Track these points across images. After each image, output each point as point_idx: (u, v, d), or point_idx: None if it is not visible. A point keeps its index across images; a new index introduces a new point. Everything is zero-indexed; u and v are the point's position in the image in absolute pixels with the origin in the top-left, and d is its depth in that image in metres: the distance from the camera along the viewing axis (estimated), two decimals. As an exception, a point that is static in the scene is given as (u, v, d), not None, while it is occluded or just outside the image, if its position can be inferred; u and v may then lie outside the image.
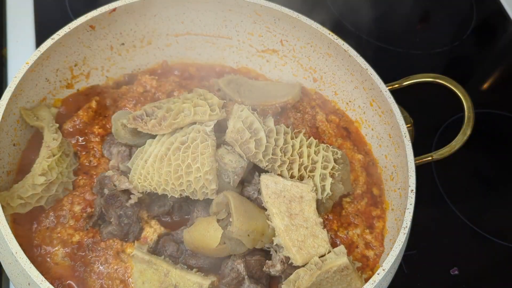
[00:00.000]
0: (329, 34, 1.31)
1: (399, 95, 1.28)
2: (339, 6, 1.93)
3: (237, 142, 1.10)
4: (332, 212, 1.20)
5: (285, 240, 1.05)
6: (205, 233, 1.05)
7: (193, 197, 1.09)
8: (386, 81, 1.28)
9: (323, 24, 1.33)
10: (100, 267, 1.07)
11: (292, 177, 1.14)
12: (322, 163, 1.16)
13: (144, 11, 1.33)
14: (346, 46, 1.30)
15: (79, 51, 1.29)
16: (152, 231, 1.12)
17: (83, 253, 1.08)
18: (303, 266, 1.04)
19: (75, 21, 1.23)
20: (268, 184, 1.10)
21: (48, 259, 1.07)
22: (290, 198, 1.10)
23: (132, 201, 1.09)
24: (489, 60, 1.94)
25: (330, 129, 1.33)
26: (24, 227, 1.10)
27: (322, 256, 1.06)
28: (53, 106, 1.28)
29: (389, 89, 1.26)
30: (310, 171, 1.16)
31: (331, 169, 1.17)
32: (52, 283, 0.93)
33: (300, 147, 1.17)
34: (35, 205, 1.10)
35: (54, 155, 1.12)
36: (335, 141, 1.32)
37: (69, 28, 1.22)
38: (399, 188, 1.22)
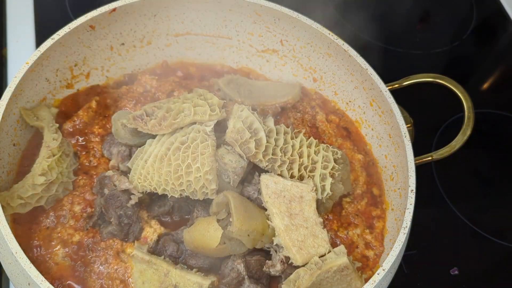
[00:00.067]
0: (329, 34, 1.31)
1: (399, 95, 1.28)
2: (339, 6, 1.93)
3: (237, 142, 1.10)
4: (332, 212, 1.20)
5: (285, 240, 1.05)
6: (205, 233, 1.05)
7: (193, 197, 1.09)
8: (386, 81, 1.28)
9: (323, 24, 1.33)
10: (100, 267, 1.07)
11: (292, 177, 1.14)
12: (322, 163, 1.16)
13: (144, 11, 1.33)
14: (346, 46, 1.30)
15: (79, 51, 1.29)
16: (152, 231, 1.12)
17: (83, 253, 1.08)
18: (303, 266, 1.04)
19: (75, 21, 1.23)
20: (268, 184, 1.10)
21: (48, 259, 1.07)
22: (290, 198, 1.10)
23: (132, 202, 1.09)
24: (489, 60, 1.94)
25: (330, 129, 1.33)
26: (24, 227, 1.10)
27: (322, 256, 1.06)
28: (53, 106, 1.28)
29: (389, 89, 1.26)
30: (310, 171, 1.16)
31: (331, 169, 1.17)
32: (52, 283, 0.93)
33: (300, 147, 1.17)
34: (35, 205, 1.10)
35: (54, 155, 1.12)
36: (335, 141, 1.32)
37: (69, 28, 1.22)
38: (399, 188, 1.22)
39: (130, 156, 1.17)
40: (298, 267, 1.04)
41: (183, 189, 1.08)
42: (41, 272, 0.94)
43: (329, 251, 1.07)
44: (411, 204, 1.09)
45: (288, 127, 1.24)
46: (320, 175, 1.15)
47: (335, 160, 1.19)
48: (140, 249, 1.08)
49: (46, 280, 0.93)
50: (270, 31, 1.40)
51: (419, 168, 1.17)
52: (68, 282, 1.06)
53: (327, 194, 1.15)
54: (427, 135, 1.64)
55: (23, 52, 1.61)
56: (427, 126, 1.64)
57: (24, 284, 0.97)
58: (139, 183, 1.10)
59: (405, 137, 1.18)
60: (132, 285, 1.06)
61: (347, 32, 1.86)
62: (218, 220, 1.06)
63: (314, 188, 1.13)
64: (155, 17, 1.36)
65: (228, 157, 1.11)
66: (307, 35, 1.36)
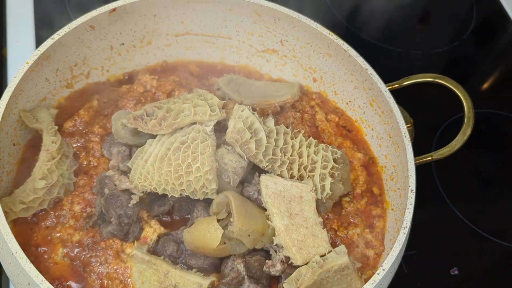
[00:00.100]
0: (329, 34, 1.31)
1: (399, 95, 1.28)
2: (339, 6, 1.93)
3: (238, 142, 1.10)
4: (332, 211, 1.20)
5: (285, 239, 1.05)
6: (205, 233, 1.05)
7: (193, 197, 1.09)
8: (386, 81, 1.28)
9: (323, 24, 1.33)
10: (100, 267, 1.07)
11: (292, 177, 1.14)
12: (321, 163, 1.16)
13: (144, 11, 1.33)
14: (346, 46, 1.30)
15: (79, 51, 1.30)
16: (152, 231, 1.12)
17: (83, 253, 1.08)
18: (303, 265, 1.04)
19: (75, 21, 1.23)
20: (268, 185, 1.10)
21: (48, 258, 1.07)
22: (290, 198, 1.10)
23: (133, 201, 1.09)
24: (489, 60, 1.94)
25: (330, 128, 1.33)
26: (24, 227, 1.10)
27: (323, 255, 1.06)
28: (53, 106, 1.28)
29: (389, 89, 1.26)
30: (310, 171, 1.16)
31: (331, 169, 1.17)
32: (51, 283, 0.93)
33: (300, 147, 1.17)
34: (38, 208, 1.11)
35: (53, 158, 1.12)
36: (335, 140, 1.32)
37: (69, 28, 1.22)
38: (399, 188, 1.22)
39: (130, 156, 1.17)
40: (298, 267, 1.04)
41: (183, 189, 1.08)
42: (41, 272, 0.94)
43: (329, 251, 1.07)
44: (411, 204, 1.10)
45: (287, 127, 1.24)
46: (319, 175, 1.15)
47: (334, 160, 1.19)
48: (140, 249, 1.08)
49: (46, 280, 0.93)
50: (270, 31, 1.40)
51: (419, 168, 1.17)
52: (67, 282, 1.06)
53: (327, 194, 1.15)
54: (427, 135, 1.64)
55: (23, 52, 1.61)
56: (427, 126, 1.64)
57: (24, 284, 0.97)
58: (139, 183, 1.10)
59: (405, 137, 1.18)
60: (132, 285, 1.05)
61: (347, 32, 1.86)
62: (218, 220, 1.06)
63: (314, 188, 1.13)
64: (155, 17, 1.36)
65: (228, 157, 1.11)
66: (307, 35, 1.36)
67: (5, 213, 1.01)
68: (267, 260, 1.08)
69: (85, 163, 1.19)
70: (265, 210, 1.09)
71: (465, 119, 1.33)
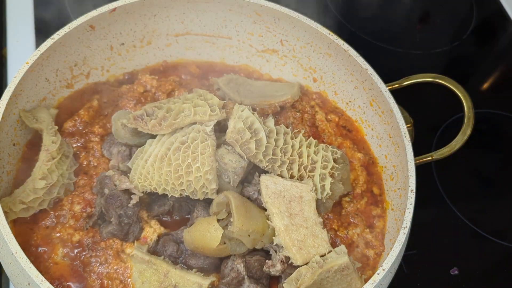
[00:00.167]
0: (329, 34, 1.31)
1: (399, 95, 1.28)
2: (339, 6, 1.93)
3: (238, 142, 1.10)
4: (332, 211, 1.20)
5: (285, 239, 1.05)
6: (205, 233, 1.05)
7: (193, 197, 1.09)
8: (386, 81, 1.28)
9: (323, 24, 1.33)
10: (100, 267, 1.07)
11: (292, 177, 1.14)
12: (321, 163, 1.16)
13: (144, 11, 1.33)
14: (346, 46, 1.30)
15: (79, 51, 1.30)
16: (152, 231, 1.12)
17: (83, 253, 1.08)
18: (303, 265, 1.04)
19: (75, 21, 1.23)
20: (268, 185, 1.10)
21: (48, 258, 1.07)
22: (290, 198, 1.10)
23: (134, 201, 1.09)
24: (489, 60, 1.94)
25: (330, 128, 1.33)
26: (24, 227, 1.10)
27: (323, 255, 1.06)
28: (53, 106, 1.28)
29: (389, 89, 1.26)
30: (310, 171, 1.16)
31: (331, 169, 1.17)
32: (51, 283, 0.93)
33: (300, 147, 1.17)
34: (38, 208, 1.11)
35: (53, 158, 1.12)
36: (335, 140, 1.32)
37: (69, 28, 1.22)
38: (399, 188, 1.22)
39: (130, 156, 1.17)
40: (298, 267, 1.04)
41: (183, 189, 1.08)
42: (40, 272, 0.94)
43: (329, 251, 1.07)
44: (411, 204, 1.09)
45: (287, 127, 1.24)
46: (319, 175, 1.15)
47: (334, 160, 1.19)
48: (140, 249, 1.08)
49: (46, 280, 0.93)
50: (270, 31, 1.40)
51: (419, 168, 1.17)
52: (67, 282, 1.06)
53: (326, 194, 1.15)
54: (427, 135, 1.64)
55: (23, 52, 1.61)
56: (427, 126, 1.64)
57: (24, 284, 0.97)
58: (139, 183, 1.10)
59: (405, 137, 1.18)
60: (132, 285, 1.05)
61: (347, 32, 1.86)
62: (218, 220, 1.06)
63: (314, 188, 1.13)
64: (155, 17, 1.36)
65: (228, 157, 1.11)
66: (307, 35, 1.36)
67: (5, 213, 1.01)
68: (267, 260, 1.08)
69: (85, 163, 1.19)
70: (265, 210, 1.09)
71: (465, 119, 1.33)
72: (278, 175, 1.13)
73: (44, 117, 1.20)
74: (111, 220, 1.09)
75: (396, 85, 1.38)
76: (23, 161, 1.19)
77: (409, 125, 1.30)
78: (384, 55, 1.83)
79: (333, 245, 1.14)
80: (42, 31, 1.65)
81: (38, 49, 1.18)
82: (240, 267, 1.07)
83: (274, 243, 1.06)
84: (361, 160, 1.30)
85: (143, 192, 1.10)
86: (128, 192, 1.11)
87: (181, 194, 1.09)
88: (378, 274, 1.00)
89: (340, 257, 1.05)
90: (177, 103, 1.13)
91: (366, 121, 1.36)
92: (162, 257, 1.08)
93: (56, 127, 1.19)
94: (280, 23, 1.37)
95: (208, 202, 1.12)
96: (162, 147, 1.08)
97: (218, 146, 1.12)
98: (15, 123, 1.17)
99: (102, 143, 1.22)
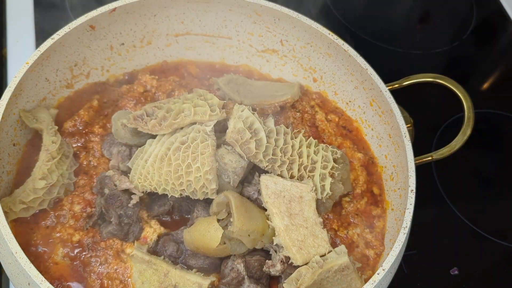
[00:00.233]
0: (329, 34, 1.31)
1: (399, 95, 1.28)
2: (340, 6, 1.93)
3: (238, 142, 1.10)
4: (332, 211, 1.20)
5: (285, 239, 1.05)
6: (205, 233, 1.05)
7: (193, 197, 1.09)
8: (386, 81, 1.28)
9: (323, 24, 1.33)
10: (100, 267, 1.07)
11: (292, 177, 1.14)
12: (321, 163, 1.16)
13: (144, 11, 1.33)
14: (346, 46, 1.30)
15: (79, 51, 1.30)
16: (152, 231, 1.12)
17: (83, 253, 1.08)
18: (303, 265, 1.04)
19: (75, 21, 1.23)
20: (268, 185, 1.10)
21: (48, 258, 1.07)
22: (290, 198, 1.10)
23: (134, 201, 1.09)
24: (489, 60, 1.94)
25: (330, 128, 1.33)
26: (24, 227, 1.10)
27: (323, 255, 1.06)
28: (53, 106, 1.28)
29: (389, 89, 1.26)
30: (310, 171, 1.16)
31: (331, 169, 1.17)
32: (51, 283, 0.93)
33: (300, 147, 1.17)
34: (38, 208, 1.11)
35: (53, 158, 1.12)
36: (335, 140, 1.32)
37: (69, 28, 1.22)
38: (399, 188, 1.22)
39: (130, 156, 1.17)
40: (298, 267, 1.04)
41: (183, 189, 1.08)
42: (40, 272, 0.94)
43: (329, 251, 1.07)
44: (411, 204, 1.09)
45: (287, 127, 1.24)
46: (319, 175, 1.15)
47: (334, 160, 1.19)
48: (140, 249, 1.08)
49: (46, 280, 0.93)
50: (270, 31, 1.40)
51: (419, 168, 1.17)
52: (67, 282, 1.06)
53: (327, 194, 1.15)
54: (427, 135, 1.64)
55: (23, 52, 1.61)
56: (427, 126, 1.64)
57: (24, 284, 0.97)
58: (140, 183, 1.10)
59: (405, 137, 1.18)
60: (132, 285, 1.05)
61: (347, 32, 1.86)
62: (218, 220, 1.06)
63: (314, 188, 1.13)
64: (155, 17, 1.36)
65: (228, 157, 1.11)
66: (307, 35, 1.36)
67: (5, 213, 1.01)
68: (267, 260, 1.08)
69: (85, 163, 1.19)
70: (265, 210, 1.09)
71: (465, 119, 1.33)
72: (278, 175, 1.13)
73: (44, 117, 1.20)
74: (111, 220, 1.09)
75: (396, 85, 1.38)
76: (23, 161, 1.19)
77: (409, 125, 1.30)
78: (384, 55, 1.83)
79: (333, 245, 1.14)
80: (42, 31, 1.65)
81: (38, 49, 1.18)
82: (240, 267, 1.07)
83: (274, 243, 1.06)
84: (361, 160, 1.30)
85: (143, 192, 1.11)
86: (128, 192, 1.11)
87: (181, 194, 1.09)
88: (378, 274, 1.00)
89: (340, 257, 1.05)
90: (177, 103, 1.13)
91: (366, 121, 1.36)
92: (162, 257, 1.08)
93: (56, 127, 1.19)
94: (280, 23, 1.37)
95: (208, 202, 1.12)
96: (162, 147, 1.08)
97: (218, 146, 1.12)
98: (15, 123, 1.17)
99: (102, 143, 1.22)
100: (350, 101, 1.38)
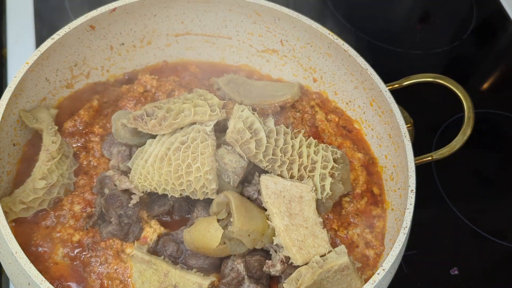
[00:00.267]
0: (329, 34, 1.31)
1: (399, 95, 1.28)
2: (340, 6, 1.93)
3: (238, 142, 1.10)
4: (332, 211, 1.20)
5: (285, 239, 1.05)
6: (205, 233, 1.05)
7: (193, 197, 1.09)
8: (386, 81, 1.28)
9: (323, 24, 1.33)
10: (100, 267, 1.07)
11: (292, 177, 1.14)
12: (321, 163, 1.16)
13: (144, 11, 1.33)
14: (346, 46, 1.30)
15: (79, 51, 1.30)
16: (152, 231, 1.12)
17: (83, 253, 1.08)
18: (303, 265, 1.04)
19: (75, 21, 1.23)
20: (268, 185, 1.10)
21: (48, 258, 1.07)
22: (290, 198, 1.10)
23: (134, 201, 1.09)
24: (489, 60, 1.94)
25: (330, 128, 1.33)
26: (24, 227, 1.10)
27: (323, 255, 1.06)
28: (53, 106, 1.28)
29: (389, 89, 1.26)
30: (310, 171, 1.16)
31: (331, 169, 1.17)
32: (51, 283, 0.93)
33: (300, 147, 1.17)
34: (38, 208, 1.10)
35: (53, 158, 1.12)
36: (335, 140, 1.32)
37: (69, 28, 1.22)
38: (399, 188, 1.22)
39: (130, 156, 1.17)
40: (298, 267, 1.04)
41: (183, 189, 1.08)
42: (40, 272, 0.94)
43: (329, 251, 1.07)
44: (411, 204, 1.09)
45: (287, 127, 1.24)
46: (319, 175, 1.15)
47: (334, 160, 1.19)
48: (140, 249, 1.08)
49: (46, 280, 0.93)
50: (270, 31, 1.40)
51: (419, 168, 1.17)
52: (67, 282, 1.06)
53: (327, 194, 1.15)
54: (427, 135, 1.64)
55: (23, 52, 1.61)
56: (427, 126, 1.64)
57: (24, 284, 0.97)
58: (140, 183, 1.10)
59: (405, 137, 1.18)
60: (132, 285, 1.05)
61: (347, 32, 1.86)
62: (218, 220, 1.06)
63: (314, 188, 1.13)
64: (155, 17, 1.36)
65: (228, 157, 1.11)
66: (307, 35, 1.36)
67: (5, 213, 1.01)
68: (267, 260, 1.08)
69: (85, 163, 1.19)
70: (265, 210, 1.09)
71: (465, 119, 1.33)
72: (278, 175, 1.13)
73: (44, 117, 1.20)
74: (111, 220, 1.09)
75: (396, 85, 1.38)
76: (23, 161, 1.19)
77: (409, 125, 1.30)
78: (384, 55, 1.83)
79: (333, 245, 1.14)
80: (42, 31, 1.65)
81: (38, 49, 1.18)
82: (240, 267, 1.07)
83: (274, 243, 1.06)
84: (361, 160, 1.30)
85: (143, 192, 1.11)
86: (128, 192, 1.11)
87: (181, 194, 1.09)
88: (378, 274, 1.00)
89: (340, 257, 1.05)
90: (177, 103, 1.13)
91: (366, 121, 1.36)
92: (162, 257, 1.08)
93: (56, 127, 1.19)
94: (280, 23, 1.37)
95: (208, 202, 1.12)
96: (162, 147, 1.08)
97: (218, 146, 1.12)
98: (15, 123, 1.17)
99: (102, 143, 1.22)
100: (350, 101, 1.38)
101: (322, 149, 1.19)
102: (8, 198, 1.09)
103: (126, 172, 1.14)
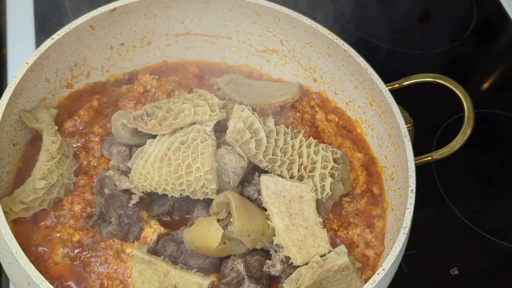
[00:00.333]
0: (329, 34, 1.31)
1: (399, 95, 1.28)
2: (340, 6, 1.93)
3: (238, 142, 1.10)
4: (332, 211, 1.20)
5: (285, 239, 1.05)
6: (205, 233, 1.05)
7: (193, 197, 1.09)
8: (386, 81, 1.28)
9: (323, 24, 1.33)
10: (100, 267, 1.07)
11: (292, 177, 1.14)
12: (321, 163, 1.16)
13: (144, 11, 1.33)
14: (346, 46, 1.30)
15: (79, 51, 1.30)
16: (152, 231, 1.12)
17: (83, 253, 1.08)
18: (303, 265, 1.04)
19: (75, 21, 1.23)
20: (268, 185, 1.10)
21: (48, 258, 1.07)
22: (290, 198, 1.10)
23: (134, 201, 1.09)
24: (489, 60, 1.94)
25: (330, 128, 1.33)
26: (24, 227, 1.10)
27: (323, 255, 1.06)
28: (53, 106, 1.28)
29: (389, 89, 1.26)
30: (310, 171, 1.16)
31: (331, 169, 1.17)
32: (51, 283, 0.93)
33: (300, 147, 1.17)
34: (38, 209, 1.10)
35: (53, 158, 1.12)
36: (335, 140, 1.32)
37: (69, 28, 1.22)
38: (399, 188, 1.22)
39: (130, 156, 1.17)
40: (298, 267, 1.04)
41: (183, 189, 1.08)
42: (40, 272, 0.94)
43: (329, 251, 1.07)
44: (411, 204, 1.09)
45: (287, 127, 1.24)
46: (319, 175, 1.15)
47: (334, 160, 1.19)
48: (140, 249, 1.08)
49: (46, 280, 0.93)
50: (270, 31, 1.40)
51: (419, 168, 1.17)
52: (67, 282, 1.06)
53: (326, 194, 1.15)
54: (427, 135, 1.64)
55: (23, 52, 1.61)
56: (427, 126, 1.64)
57: (24, 284, 0.97)
58: (140, 183, 1.10)
59: (405, 137, 1.18)
60: (132, 285, 1.05)
61: (347, 32, 1.86)
62: (218, 220, 1.06)
63: (314, 188, 1.13)
64: (155, 17, 1.36)
65: (228, 157, 1.11)
66: (307, 35, 1.36)
67: (5, 213, 1.01)
68: (267, 260, 1.08)
69: (85, 163, 1.19)
70: (265, 210, 1.09)
71: (465, 119, 1.33)
72: (278, 175, 1.13)
73: (44, 117, 1.20)
74: (111, 220, 1.09)
75: (396, 85, 1.38)
76: (23, 161, 1.19)
77: (409, 125, 1.30)
78: (384, 55, 1.83)
79: (333, 245, 1.14)
80: (42, 31, 1.65)
81: (38, 49, 1.18)
82: (240, 267, 1.07)
83: (274, 243, 1.06)
84: (361, 160, 1.30)
85: (143, 192, 1.11)
86: (128, 192, 1.11)
87: (181, 194, 1.09)
88: (378, 274, 1.00)
89: (340, 257, 1.05)
90: (177, 103, 1.13)
91: (366, 121, 1.36)
92: (162, 257, 1.08)
93: (56, 127, 1.19)
94: (280, 23, 1.37)
95: (208, 202, 1.12)
96: (162, 147, 1.08)
97: (218, 146, 1.12)
98: (15, 123, 1.17)
99: (102, 143, 1.22)
100: (350, 101, 1.38)
101: (322, 149, 1.19)
102: (8, 198, 1.09)
103: (126, 172, 1.14)
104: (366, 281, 1.01)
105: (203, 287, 1.03)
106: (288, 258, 1.05)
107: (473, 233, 1.51)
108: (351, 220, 1.21)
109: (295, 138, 1.18)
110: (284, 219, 1.07)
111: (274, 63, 1.46)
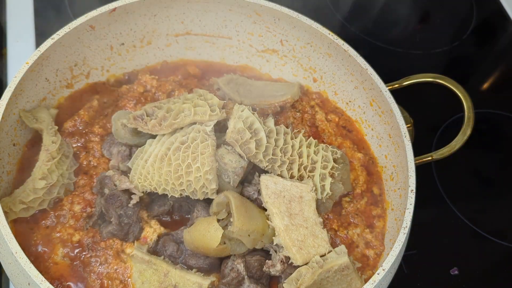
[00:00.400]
0: (329, 34, 1.31)
1: (399, 95, 1.28)
2: (340, 6, 1.93)
3: (238, 142, 1.10)
4: (332, 211, 1.20)
5: (285, 239, 1.05)
6: (205, 233, 1.05)
7: (193, 197, 1.09)
8: (386, 81, 1.28)
9: (323, 24, 1.33)
10: (100, 267, 1.07)
11: (292, 177, 1.14)
12: (321, 163, 1.16)
13: (144, 11, 1.33)
14: (346, 46, 1.30)
15: (79, 51, 1.30)
16: (152, 231, 1.12)
17: (83, 253, 1.08)
18: (303, 265, 1.04)
19: (75, 21, 1.23)
20: (268, 185, 1.10)
21: (48, 258, 1.07)
22: (290, 198, 1.10)
23: (133, 201, 1.09)
24: (489, 60, 1.94)
25: (330, 128, 1.33)
26: (24, 227, 1.10)
27: (323, 255, 1.06)
28: (53, 106, 1.28)
29: (389, 89, 1.26)
30: (310, 171, 1.16)
31: (331, 169, 1.17)
32: (51, 283, 0.93)
33: (300, 147, 1.17)
34: (38, 209, 1.11)
35: (53, 158, 1.12)
36: (335, 140, 1.32)
37: (69, 28, 1.22)
38: (399, 188, 1.22)
39: (130, 156, 1.17)
40: (298, 267, 1.04)
41: (183, 189, 1.08)
42: (40, 272, 0.94)
43: (329, 251, 1.07)
44: (411, 204, 1.09)
45: (287, 127, 1.24)
46: (319, 175, 1.15)
47: (334, 160, 1.19)
48: (140, 249, 1.08)
49: (46, 280, 0.93)
50: (270, 31, 1.40)
51: (419, 168, 1.17)
52: (67, 282, 1.06)
53: (326, 194, 1.15)
54: (427, 135, 1.64)
55: (23, 52, 1.61)
56: (427, 126, 1.64)
57: (24, 284, 0.97)
58: (140, 183, 1.10)
59: (405, 137, 1.18)
60: (132, 285, 1.05)
61: (347, 32, 1.86)
62: (218, 220, 1.06)
63: (314, 188, 1.13)
64: (155, 17, 1.36)
65: (228, 157, 1.11)
66: (307, 35, 1.36)
67: (5, 213, 1.01)
68: (267, 260, 1.08)
69: (85, 163, 1.19)
70: (265, 210, 1.09)
71: (465, 119, 1.33)
72: (278, 175, 1.13)
73: (44, 117, 1.20)
74: (111, 220, 1.09)
75: (396, 85, 1.38)
76: (23, 161, 1.19)
77: (409, 125, 1.30)
78: (384, 55, 1.83)
79: (333, 245, 1.14)
80: (42, 31, 1.65)
81: (38, 49, 1.18)
82: (240, 267, 1.07)
83: (274, 243, 1.06)
84: (361, 160, 1.30)
85: (143, 192, 1.11)
86: (128, 192, 1.11)
87: (181, 194, 1.09)
88: (378, 274, 1.00)
89: (340, 257, 1.05)
90: (177, 103, 1.13)
91: (366, 121, 1.36)
92: (162, 257, 1.08)
93: (56, 127, 1.19)
94: (280, 23, 1.37)
95: (208, 202, 1.12)
96: (162, 147, 1.08)
97: (218, 146, 1.12)
98: (15, 123, 1.17)
99: (102, 143, 1.22)
100: (350, 101, 1.38)
101: (322, 149, 1.19)
102: (8, 198, 1.09)
103: (126, 172, 1.14)
104: (366, 281, 1.01)
105: (203, 287, 1.03)
106: (288, 258, 1.05)
107: (473, 233, 1.51)
108: (351, 220, 1.21)
109: (295, 138, 1.18)
110: (284, 219, 1.07)
111: (274, 63, 1.46)
